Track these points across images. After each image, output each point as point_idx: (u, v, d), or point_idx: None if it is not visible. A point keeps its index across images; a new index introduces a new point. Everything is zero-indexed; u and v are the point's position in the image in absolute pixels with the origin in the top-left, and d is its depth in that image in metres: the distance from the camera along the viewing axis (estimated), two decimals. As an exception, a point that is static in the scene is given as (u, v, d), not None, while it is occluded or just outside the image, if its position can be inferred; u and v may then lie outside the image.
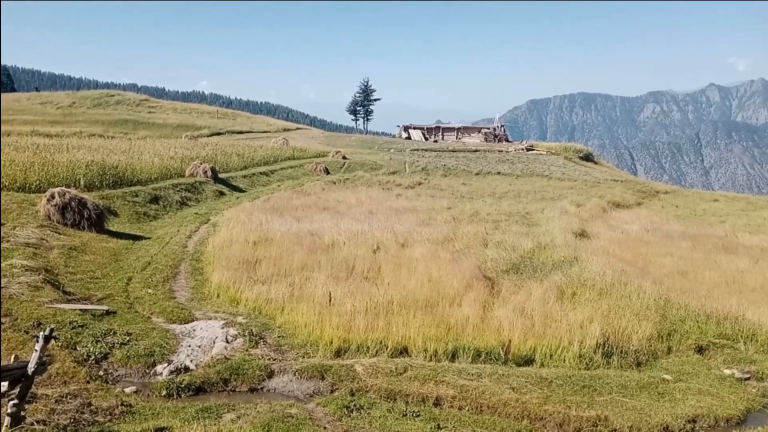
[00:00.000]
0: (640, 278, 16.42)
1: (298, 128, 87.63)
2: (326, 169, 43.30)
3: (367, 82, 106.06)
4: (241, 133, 68.31)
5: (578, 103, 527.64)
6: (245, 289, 13.62)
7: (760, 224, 32.03)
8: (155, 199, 24.90)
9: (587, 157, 70.25)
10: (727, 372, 11.72)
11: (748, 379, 11.61)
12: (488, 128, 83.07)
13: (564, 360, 11.28)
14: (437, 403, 9.31)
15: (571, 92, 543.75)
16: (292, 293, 13.28)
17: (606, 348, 11.74)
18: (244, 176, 35.80)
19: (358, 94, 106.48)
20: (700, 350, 12.71)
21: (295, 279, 14.16)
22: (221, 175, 32.95)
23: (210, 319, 12.17)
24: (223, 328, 11.57)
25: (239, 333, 11.31)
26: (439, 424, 8.40)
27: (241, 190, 32.37)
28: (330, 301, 12.48)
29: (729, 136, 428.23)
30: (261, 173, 37.93)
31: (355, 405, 8.82)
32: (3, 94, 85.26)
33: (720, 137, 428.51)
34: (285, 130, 76.98)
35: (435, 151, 61.77)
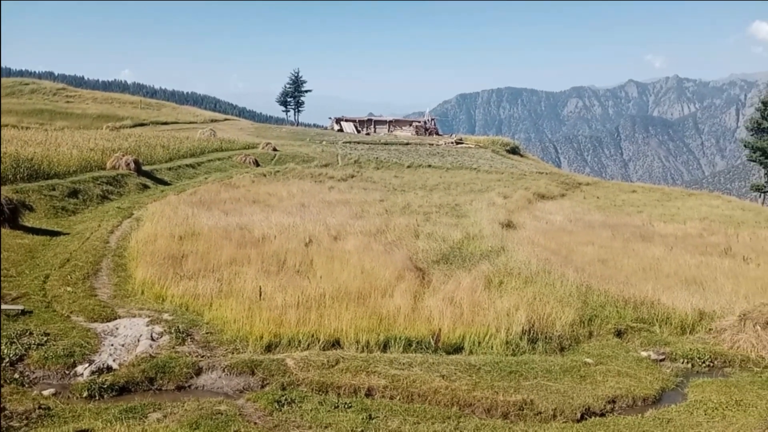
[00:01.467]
0: (564, 266, 17.06)
1: (226, 119, 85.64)
2: (256, 161, 42.54)
3: (298, 73, 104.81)
4: (166, 124, 66.08)
5: (505, 98, 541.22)
6: (171, 285, 13.21)
7: (674, 214, 33.95)
8: (74, 193, 23.73)
9: (514, 151, 72.20)
10: (644, 354, 12.39)
11: (662, 360, 12.32)
12: (419, 122, 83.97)
13: (492, 347, 11.60)
14: (369, 393, 9.37)
15: (499, 87, 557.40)
16: (220, 288, 13.00)
17: (531, 334, 12.15)
18: (170, 169, 34.66)
19: (288, 85, 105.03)
20: (619, 334, 13.37)
21: (224, 274, 13.87)
22: (145, 168, 31.77)
23: (134, 316, 11.74)
24: (148, 325, 11.20)
25: (165, 330, 10.98)
26: (370, 414, 8.47)
27: (166, 183, 31.34)
28: (260, 295, 12.30)
29: (646, 130, 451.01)
30: (187, 165, 36.84)
31: (286, 399, 8.76)
32: None
33: (638, 131, 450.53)
34: (212, 121, 75.02)
35: (367, 143, 61.87)
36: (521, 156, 72.65)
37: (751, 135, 59.84)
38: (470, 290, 13.65)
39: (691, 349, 12.54)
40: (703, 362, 12.19)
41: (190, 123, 68.41)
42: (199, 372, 9.71)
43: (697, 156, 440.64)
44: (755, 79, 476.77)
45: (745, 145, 61.43)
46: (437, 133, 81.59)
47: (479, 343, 11.70)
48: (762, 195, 60.25)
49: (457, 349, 11.52)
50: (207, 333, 11.23)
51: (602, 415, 9.49)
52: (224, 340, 10.92)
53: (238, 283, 13.21)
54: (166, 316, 11.83)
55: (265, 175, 36.94)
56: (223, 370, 9.78)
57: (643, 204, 38.36)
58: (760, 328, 12.82)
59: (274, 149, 49.17)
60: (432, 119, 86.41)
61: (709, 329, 13.68)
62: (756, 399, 10.08)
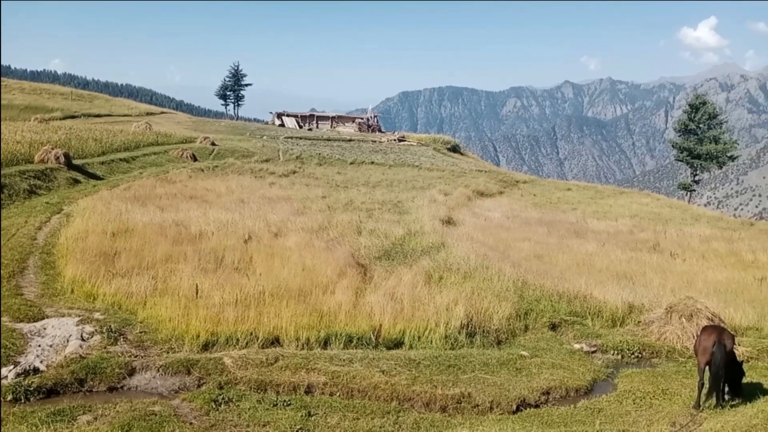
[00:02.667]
0: (501, 262, 17.44)
1: (162, 112, 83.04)
2: (194, 155, 41.49)
3: (238, 66, 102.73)
4: (99, 116, 63.46)
5: (447, 97, 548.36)
6: (103, 283, 12.73)
7: (606, 211, 35.25)
8: (-2, 188, 22.50)
9: (454, 149, 73.20)
10: (577, 346, 12.82)
11: (594, 352, 12.79)
12: (362, 118, 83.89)
13: (431, 341, 11.74)
14: (309, 390, 9.32)
15: (441, 86, 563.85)
16: (155, 286, 12.62)
17: (470, 328, 12.37)
18: (102, 163, 33.34)
19: (228, 79, 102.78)
20: (553, 327, 13.78)
21: (159, 271, 13.46)
22: (76, 162, 30.45)
23: (63, 316, 11.25)
24: (78, 325, 10.75)
25: (96, 330, 10.57)
26: (309, 412, 8.42)
27: (98, 178, 30.15)
28: (197, 293, 12.02)
29: (581, 130, 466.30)
30: (121, 159, 35.53)
31: (223, 398, 8.60)
32: None
33: (573, 131, 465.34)
34: (148, 114, 72.51)
35: (310, 139, 61.36)
36: (462, 154, 73.73)
37: (679, 136, 62.61)
38: (411, 286, 13.76)
39: (621, 341, 13.05)
40: (633, 353, 12.72)
41: (125, 116, 65.95)
42: (132, 372, 9.41)
43: (628, 155, 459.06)
44: (683, 82, 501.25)
45: (673, 146, 64.26)
46: (380, 130, 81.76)
47: (419, 337, 11.82)
48: (688, 193, 63.30)
49: (398, 344, 11.59)
50: (141, 332, 10.88)
51: (537, 406, 9.77)
52: (159, 339, 10.62)
53: (174, 280, 12.86)
54: (97, 315, 11.39)
55: (203, 170, 36.09)
56: (158, 370, 9.50)
57: (577, 201, 39.64)
58: (685, 320, 13.48)
59: (213, 144, 48.10)
60: (375, 116, 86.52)
61: (638, 322, 14.29)
62: (680, 387, 10.59)
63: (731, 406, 9.19)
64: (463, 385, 9.85)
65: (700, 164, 59.85)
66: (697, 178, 62.72)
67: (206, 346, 10.48)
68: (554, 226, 27.24)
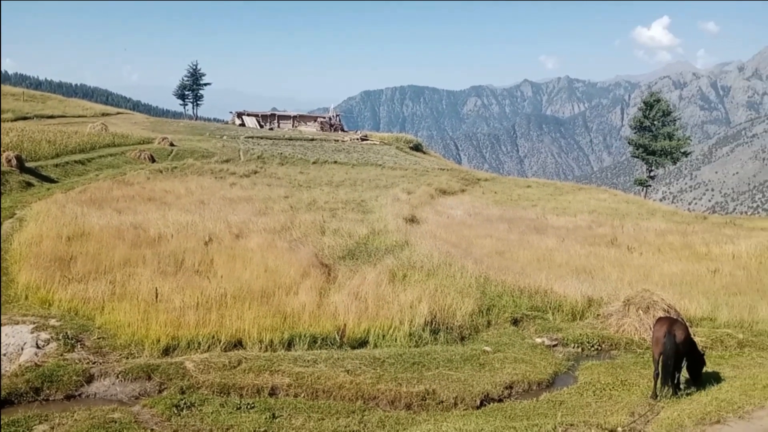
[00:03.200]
0: (464, 259, 17.62)
1: (119, 113, 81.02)
2: (152, 156, 40.64)
3: (196, 66, 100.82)
4: (52, 117, 61.57)
5: (408, 96, 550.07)
6: (58, 288, 12.37)
7: (565, 207, 35.91)
8: (-55, 192, 21.65)
9: (417, 148, 73.52)
10: (538, 340, 13.04)
11: (555, 345, 13.03)
12: (324, 117, 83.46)
13: (396, 339, 11.78)
14: (273, 392, 9.25)
15: (402, 85, 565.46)
16: (113, 291, 12.33)
17: (433, 325, 12.46)
18: (57, 165, 32.37)
19: (186, 78, 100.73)
20: (515, 322, 13.99)
21: (117, 276, 13.15)
22: (29, 164, 29.50)
23: (17, 323, 10.88)
24: (32, 332, 10.43)
25: (52, 337, 10.27)
26: (274, 414, 8.36)
27: (52, 181, 29.27)
28: (156, 297, 11.80)
29: (540, 128, 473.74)
30: (76, 161, 34.54)
31: (185, 403, 8.47)
32: None
33: (532, 129, 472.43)
34: (104, 114, 70.68)
35: (271, 139, 60.79)
36: (424, 153, 74.12)
37: (634, 133, 64.23)
38: (375, 284, 13.78)
39: (581, 334, 13.33)
40: (592, 346, 13.01)
41: (80, 116, 64.16)
42: (90, 379, 9.19)
43: (586, 152, 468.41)
44: (638, 80, 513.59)
45: (629, 142, 65.90)
46: (342, 130, 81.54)
47: (384, 336, 11.85)
48: (644, 189, 65.03)
49: (362, 343, 11.60)
50: (99, 338, 10.63)
51: (500, 400, 9.91)
52: (118, 345, 10.38)
53: (133, 284, 12.59)
54: (53, 321, 11.07)
55: (161, 172, 35.40)
56: (117, 377, 9.30)
57: (537, 198, 40.28)
58: (642, 312, 13.85)
59: (172, 144, 47.19)
60: (337, 115, 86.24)
61: (598, 315, 14.62)
62: (638, 378, 10.88)
63: (687, 395, 9.49)
64: (427, 382, 9.91)
65: (655, 160, 61.51)
66: (652, 173, 64.47)
67: (167, 351, 10.30)
68: (515, 222, 27.63)
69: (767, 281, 18.50)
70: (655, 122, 61.61)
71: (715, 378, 10.38)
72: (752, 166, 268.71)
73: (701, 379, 10.01)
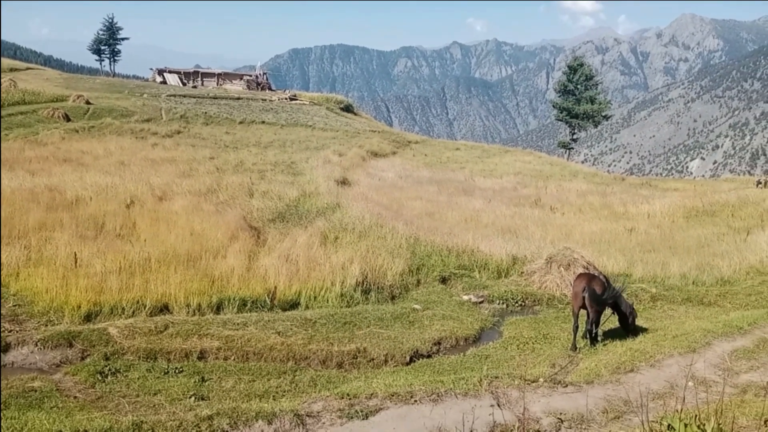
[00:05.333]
0: (394, 220, 17.79)
1: (28, 68, 75.60)
2: (66, 115, 38.33)
3: (112, 19, 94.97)
4: (-49, 72, 56.89)
5: (338, 55, 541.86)
6: (-35, 254, 11.62)
7: (492, 169, 36.75)
8: None
9: (348, 109, 72.80)
10: (465, 298, 13.43)
11: (481, 302, 13.46)
12: (251, 76, 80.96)
13: (327, 300, 11.85)
14: (202, 356, 9.12)
15: (332, 43, 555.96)
16: (28, 257, 11.72)
17: (365, 285, 12.60)
18: (-41, 124, 30.08)
19: (101, 32, 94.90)
20: (443, 280, 14.34)
21: (32, 241, 12.48)
22: (-74, 122, 27.26)
23: None
24: (-63, 302, 9.79)
25: (-40, 306, 9.68)
26: (203, 377, 8.26)
27: (-45, 141, 27.18)
28: (76, 262, 11.29)
29: (469, 91, 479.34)
30: (-18, 120, 32.19)
31: (110, 369, 8.23)
32: None
33: (461, 92, 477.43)
34: (12, 70, 65.83)
35: (195, 97, 58.52)
36: (355, 114, 73.53)
37: (559, 96, 66.02)
38: (306, 247, 13.73)
39: (506, 291, 13.83)
40: (516, 302, 13.54)
41: (-17, 71, 59.55)
42: (7, 348, 8.78)
43: (513, 116, 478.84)
44: (563, 45, 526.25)
45: (553, 106, 67.73)
46: (270, 89, 79.43)
47: (315, 297, 11.88)
48: (567, 151, 67.32)
49: (294, 305, 11.59)
50: (14, 305, 10.12)
51: (429, 356, 10.18)
52: (36, 312, 9.92)
53: (50, 249, 12.00)
54: (-40, 290, 10.42)
55: (77, 131, 33.54)
56: (36, 344, 8.91)
57: (465, 161, 40.96)
58: (563, 269, 14.48)
59: (88, 102, 44.61)
60: (264, 74, 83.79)
61: (521, 272, 15.18)
62: (559, 332, 11.43)
63: (604, 346, 10.05)
64: (358, 341, 10.05)
65: (578, 123, 63.62)
66: (575, 136, 66.74)
67: (89, 317, 9.93)
68: (444, 184, 28.05)
69: (678, 239, 19.72)
70: (578, 86, 63.49)
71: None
72: (667, 129, 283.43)
73: (635, 330, 10.57)
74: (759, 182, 36.01)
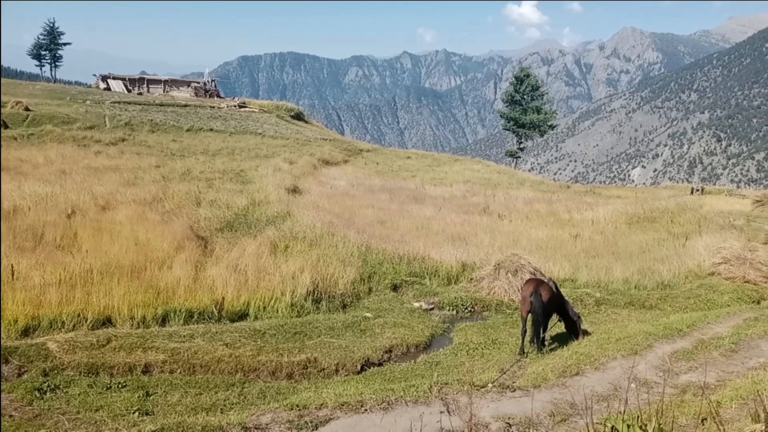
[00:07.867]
0: (346, 228, 17.76)
1: (-38, 73, 72.48)
2: (4, 122, 36.82)
3: (54, 24, 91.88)
4: None
5: (288, 63, 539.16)
6: None
7: (442, 177, 37.18)
8: None
9: (298, 116, 72.36)
10: (416, 305, 13.51)
11: (432, 309, 13.56)
12: (199, 82, 79.59)
13: (277, 310, 11.71)
14: (147, 370, 8.85)
15: (282, 51, 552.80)
16: (-40, 269, 11.15)
17: (316, 294, 12.52)
18: None
19: (42, 37, 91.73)
20: (395, 288, 14.39)
21: (-35, 252, 11.90)
22: None
23: None
24: None
25: None
26: (147, 392, 8.02)
27: None
28: (12, 274, 10.81)
29: (419, 100, 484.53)
30: None
31: (49, 386, 7.89)
32: None
33: (412, 101, 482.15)
34: (-57, 74, 62.96)
35: (140, 104, 57.08)
36: (306, 122, 73.14)
37: (506, 106, 67.40)
38: (256, 256, 13.55)
39: (455, 297, 13.98)
40: (466, 308, 13.69)
41: None
42: (-66, 368, 8.29)
43: (462, 125, 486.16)
44: (510, 56, 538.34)
45: (501, 116, 69.12)
46: (219, 96, 78.25)
47: (265, 307, 11.73)
48: (515, 160, 68.79)
49: (243, 315, 11.41)
50: (-57, 322, 9.59)
51: (380, 364, 10.18)
52: (-32, 328, 9.43)
53: (-16, 262, 11.44)
54: None
55: (15, 139, 32.28)
56: (-33, 363, 8.46)
57: (416, 169, 41.33)
58: (511, 275, 14.74)
59: (27, 109, 42.96)
60: (213, 81, 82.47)
61: (471, 279, 15.37)
62: (508, 337, 11.62)
63: (551, 350, 10.27)
64: (309, 351, 9.95)
65: (525, 133, 65.09)
66: (522, 145, 68.24)
67: (26, 332, 9.54)
68: (396, 192, 28.20)
69: (621, 244, 20.37)
70: (525, 96, 65.02)
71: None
72: (610, 138, 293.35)
73: (581, 335, 10.83)
74: (695, 189, 37.70)
